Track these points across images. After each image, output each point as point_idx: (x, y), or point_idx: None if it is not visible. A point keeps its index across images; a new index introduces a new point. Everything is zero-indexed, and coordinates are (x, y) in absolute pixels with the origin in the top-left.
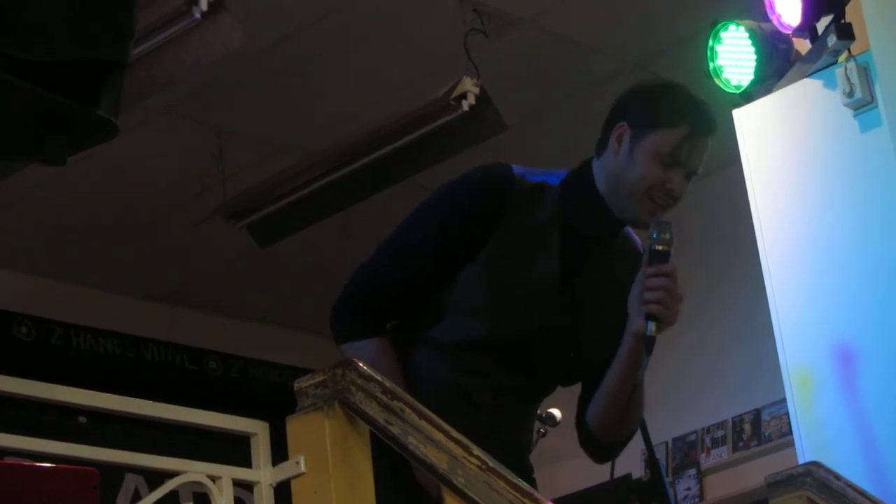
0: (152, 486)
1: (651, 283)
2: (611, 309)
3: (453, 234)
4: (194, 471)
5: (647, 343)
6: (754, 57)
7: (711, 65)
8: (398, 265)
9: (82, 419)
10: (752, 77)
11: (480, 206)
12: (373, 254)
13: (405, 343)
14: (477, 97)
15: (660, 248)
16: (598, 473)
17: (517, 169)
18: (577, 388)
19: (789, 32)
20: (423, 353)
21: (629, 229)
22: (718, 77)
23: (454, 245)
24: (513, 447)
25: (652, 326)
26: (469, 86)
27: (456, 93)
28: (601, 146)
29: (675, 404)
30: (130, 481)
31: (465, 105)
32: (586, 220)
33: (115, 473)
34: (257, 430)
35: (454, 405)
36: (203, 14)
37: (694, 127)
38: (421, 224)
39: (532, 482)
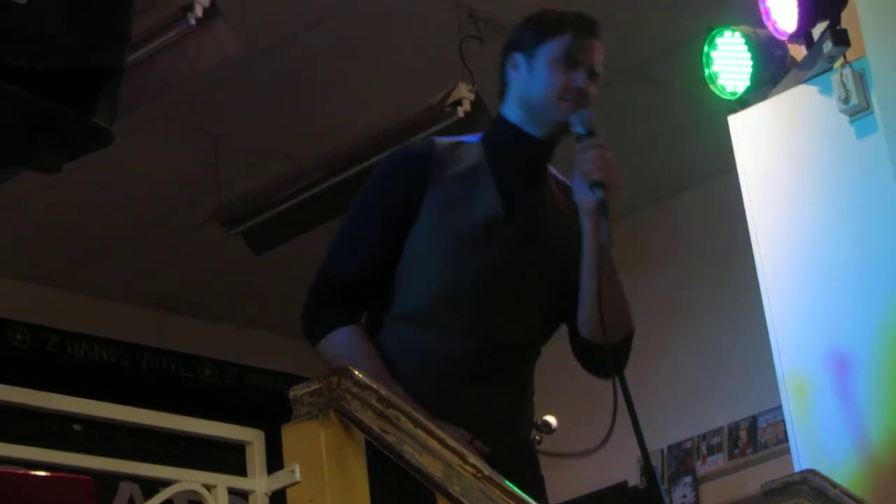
0: (147, 495)
1: (585, 155)
2: (562, 238)
3: (393, 214)
4: (189, 479)
5: (603, 209)
6: (750, 63)
7: (707, 71)
8: (354, 257)
9: (77, 427)
10: (747, 83)
11: (409, 179)
12: (328, 252)
13: (376, 331)
14: (472, 103)
15: (583, 129)
16: (594, 481)
17: (436, 138)
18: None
19: (785, 38)
20: (398, 333)
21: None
22: (714, 83)
23: (397, 223)
24: (512, 425)
25: (600, 192)
26: (464, 92)
27: (451, 99)
28: (501, 90)
29: (671, 411)
30: (125, 490)
31: (461, 111)
32: (510, 152)
33: (109, 482)
34: (252, 439)
35: (442, 375)
36: (198, 20)
37: (577, 29)
38: (363, 214)
39: (538, 479)
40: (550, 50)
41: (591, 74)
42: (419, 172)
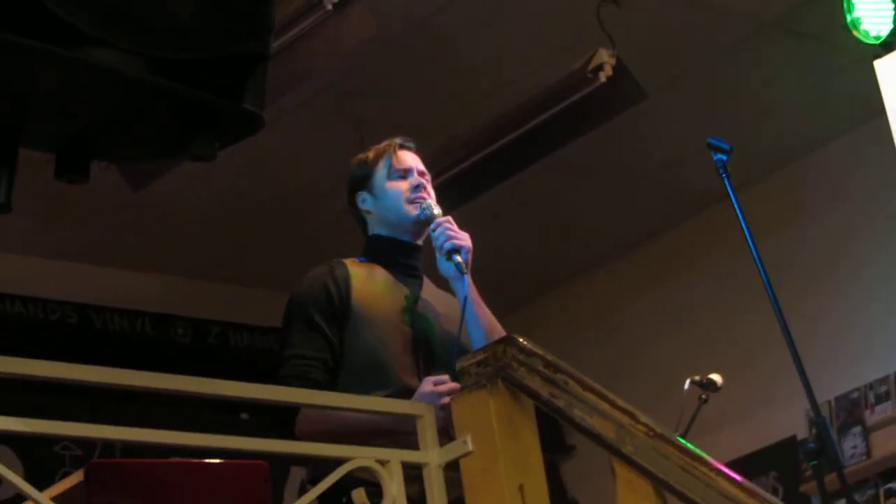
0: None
1: (434, 235)
2: (451, 314)
3: (320, 324)
4: (363, 456)
5: (459, 268)
6: (892, 5)
7: (849, 17)
8: (310, 353)
9: (244, 416)
10: (891, 26)
11: (320, 301)
12: (282, 364)
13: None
14: (614, 68)
15: (427, 215)
16: (762, 437)
17: (332, 262)
18: None
19: None
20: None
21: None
22: (857, 28)
23: (327, 334)
24: None
25: (457, 258)
26: (605, 57)
27: (592, 65)
28: (363, 227)
29: (837, 363)
30: (296, 474)
31: (603, 77)
32: (393, 254)
33: (281, 467)
34: (423, 413)
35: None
36: (334, 5)
37: (390, 149)
38: (293, 335)
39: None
40: (381, 174)
41: (420, 174)
42: (334, 294)
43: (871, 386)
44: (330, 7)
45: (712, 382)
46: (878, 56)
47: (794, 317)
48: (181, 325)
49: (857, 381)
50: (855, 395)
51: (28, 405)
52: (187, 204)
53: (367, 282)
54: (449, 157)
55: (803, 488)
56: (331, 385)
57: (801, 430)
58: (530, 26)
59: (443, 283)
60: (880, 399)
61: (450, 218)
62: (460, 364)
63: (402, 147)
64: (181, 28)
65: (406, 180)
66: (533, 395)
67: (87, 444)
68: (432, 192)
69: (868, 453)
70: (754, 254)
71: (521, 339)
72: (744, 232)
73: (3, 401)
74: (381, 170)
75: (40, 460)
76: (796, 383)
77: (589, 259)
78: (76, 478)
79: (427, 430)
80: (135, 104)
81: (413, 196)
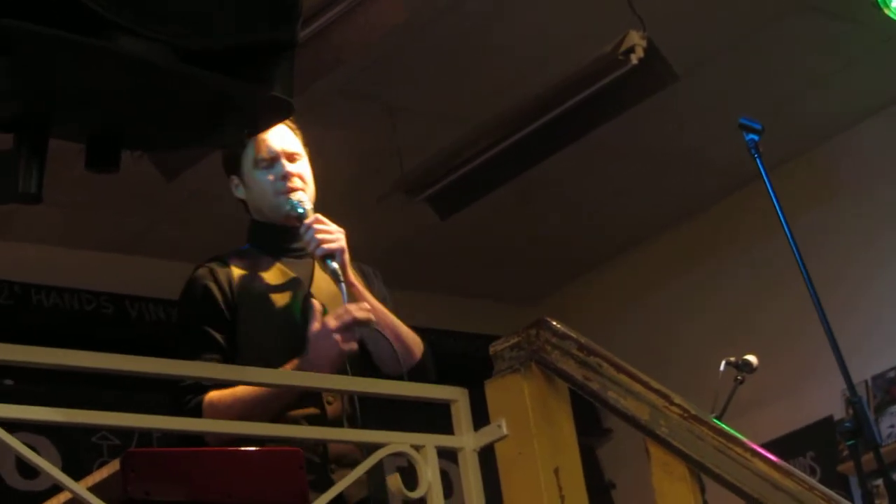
0: None
1: (306, 238)
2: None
3: (208, 330)
4: (398, 441)
5: (336, 277)
6: None
7: None
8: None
9: None
10: None
11: (206, 301)
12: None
13: None
14: (645, 50)
15: (297, 213)
16: (799, 418)
17: (212, 263)
18: None
19: None
20: None
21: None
22: (887, 6)
23: (218, 333)
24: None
25: (333, 263)
26: (636, 39)
27: (623, 47)
28: (245, 207)
29: (874, 342)
30: None
31: (634, 59)
32: (278, 241)
33: None
34: (457, 397)
35: None
36: None
37: (249, 136)
38: (185, 340)
39: None
40: (247, 163)
41: (290, 157)
42: (216, 291)
43: None
44: None
45: (748, 363)
46: None
47: (830, 296)
48: None
49: (894, 360)
50: (892, 374)
51: (65, 396)
52: (221, 192)
53: (252, 279)
54: (480, 141)
55: (841, 468)
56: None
57: (838, 411)
58: (561, 10)
59: None
60: None
61: (319, 216)
62: (493, 349)
63: (256, 132)
64: (209, 16)
65: (272, 170)
66: (567, 378)
67: (124, 433)
68: (306, 173)
69: None
70: (787, 233)
71: (554, 322)
72: (777, 212)
73: (40, 392)
74: (248, 156)
75: (78, 450)
76: (832, 363)
77: (622, 242)
78: (112, 467)
79: (462, 415)
80: (163, 93)
81: (283, 187)
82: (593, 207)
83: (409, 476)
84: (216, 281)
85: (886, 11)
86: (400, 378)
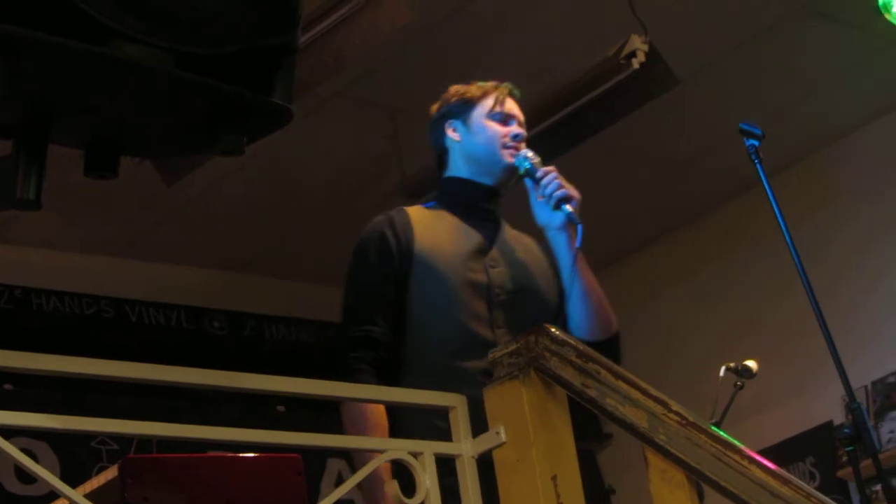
0: (355, 471)
1: (544, 182)
2: (531, 261)
3: (381, 280)
4: (396, 448)
5: (571, 217)
6: None
7: (880, 0)
8: (365, 307)
9: (280, 408)
10: None
11: (382, 251)
12: (344, 309)
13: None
14: (647, 54)
15: (528, 163)
16: (798, 423)
17: (393, 210)
18: None
19: None
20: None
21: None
22: (889, 11)
23: (394, 274)
24: None
25: (568, 208)
26: (638, 43)
27: (625, 52)
28: (441, 161)
29: (873, 348)
30: (333, 466)
31: (636, 63)
32: (467, 198)
33: (317, 460)
34: (456, 404)
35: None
36: None
37: (499, 90)
38: (353, 288)
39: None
40: (482, 109)
41: (520, 125)
42: (395, 244)
43: None
44: None
45: (748, 369)
46: None
47: (830, 302)
48: (217, 318)
49: (894, 365)
50: (891, 379)
51: (64, 401)
52: (222, 196)
53: (432, 228)
54: None
55: (840, 474)
56: (385, 347)
57: (838, 416)
58: (563, 14)
59: (526, 230)
60: None
61: (555, 168)
62: (493, 355)
63: (510, 94)
64: (209, 22)
65: (507, 126)
66: (565, 384)
67: (123, 438)
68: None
69: None
70: (787, 239)
71: (552, 329)
72: (778, 218)
73: (39, 397)
74: (482, 106)
75: (77, 455)
76: (832, 369)
77: (623, 247)
78: (111, 473)
79: (460, 422)
80: (162, 99)
81: (511, 143)
82: (594, 212)
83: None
84: (393, 227)
85: (888, 16)
86: (596, 345)
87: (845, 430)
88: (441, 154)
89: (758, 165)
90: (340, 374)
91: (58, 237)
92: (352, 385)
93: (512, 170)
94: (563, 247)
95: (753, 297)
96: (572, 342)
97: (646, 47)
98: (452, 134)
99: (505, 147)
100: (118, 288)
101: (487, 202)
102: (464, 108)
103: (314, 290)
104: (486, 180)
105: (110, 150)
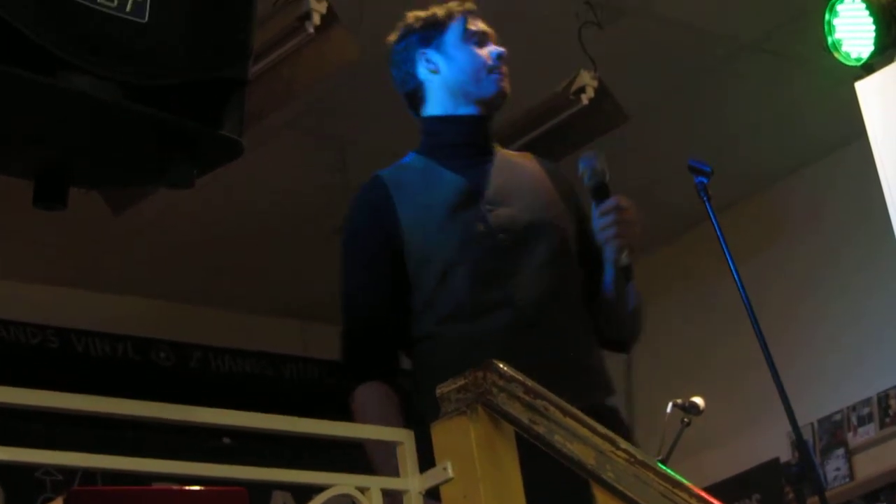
0: (300, 503)
1: (601, 222)
2: (537, 186)
3: (377, 248)
4: (342, 483)
5: (625, 272)
6: (873, 28)
7: (830, 39)
8: (367, 288)
9: (226, 440)
10: (871, 48)
11: (373, 214)
12: (342, 300)
13: (423, 343)
14: (595, 90)
15: (595, 182)
16: (745, 460)
17: (382, 171)
18: None
19: None
20: (446, 336)
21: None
22: (838, 51)
23: (385, 252)
24: (579, 369)
25: (622, 256)
26: (587, 79)
27: (574, 87)
28: (414, 100)
29: (819, 385)
30: (278, 498)
31: (585, 99)
32: (450, 137)
33: (262, 492)
34: (403, 439)
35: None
36: (316, 28)
37: (465, 6)
38: (352, 263)
39: (621, 423)
40: (455, 33)
41: (495, 41)
42: (384, 206)
43: (853, 408)
44: (312, 30)
45: (694, 405)
46: (859, 78)
47: (776, 339)
48: (163, 349)
49: (840, 403)
50: (837, 417)
51: (8, 431)
52: (169, 227)
53: (414, 192)
54: None
55: None
56: (393, 324)
57: (784, 453)
58: (512, 48)
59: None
60: (863, 421)
61: (619, 197)
62: (440, 390)
63: (475, 14)
64: (158, 53)
65: (485, 47)
66: (513, 420)
67: (68, 469)
68: None
69: (851, 475)
70: (735, 276)
71: (501, 365)
72: (725, 254)
73: None
74: (454, 29)
75: (21, 485)
76: (779, 406)
77: None
78: None
79: (408, 457)
80: (111, 130)
81: (494, 65)
82: None
83: None
84: (374, 206)
85: (837, 55)
86: (619, 346)
87: (793, 468)
88: (414, 92)
89: (706, 202)
90: (347, 391)
91: (2, 266)
92: (300, 420)
93: (502, 94)
94: (608, 276)
95: (700, 334)
96: (520, 378)
97: (595, 83)
98: (427, 65)
99: (493, 70)
100: (64, 318)
101: (478, 135)
102: (433, 33)
103: (260, 321)
104: (473, 110)
105: (59, 181)
